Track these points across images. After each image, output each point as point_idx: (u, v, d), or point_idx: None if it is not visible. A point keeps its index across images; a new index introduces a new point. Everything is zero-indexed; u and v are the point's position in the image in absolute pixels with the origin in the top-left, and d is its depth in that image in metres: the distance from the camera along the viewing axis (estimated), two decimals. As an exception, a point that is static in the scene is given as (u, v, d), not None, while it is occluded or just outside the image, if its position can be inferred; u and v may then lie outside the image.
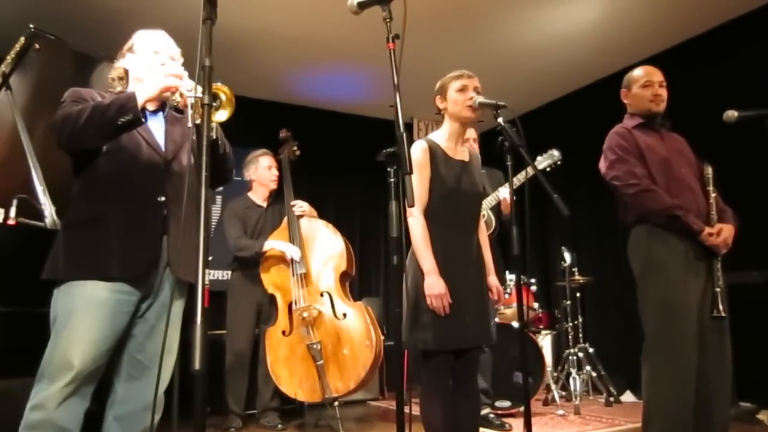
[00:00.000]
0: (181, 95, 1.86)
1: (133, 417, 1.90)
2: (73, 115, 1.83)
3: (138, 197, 1.92)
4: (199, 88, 1.82)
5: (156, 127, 2.05)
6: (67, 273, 1.84)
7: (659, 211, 2.46)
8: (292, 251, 3.70)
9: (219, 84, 1.65)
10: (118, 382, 1.94)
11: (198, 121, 1.82)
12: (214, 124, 1.89)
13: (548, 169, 3.66)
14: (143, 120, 1.86)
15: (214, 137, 1.97)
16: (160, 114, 2.09)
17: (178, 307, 2.01)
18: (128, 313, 1.89)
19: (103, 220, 1.87)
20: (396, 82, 1.73)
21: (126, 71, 2.07)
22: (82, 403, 1.81)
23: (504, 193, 3.61)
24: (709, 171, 2.57)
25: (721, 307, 2.38)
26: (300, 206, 3.88)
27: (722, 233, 2.42)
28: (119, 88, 2.06)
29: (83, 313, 1.79)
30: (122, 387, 1.93)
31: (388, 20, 1.78)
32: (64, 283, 1.84)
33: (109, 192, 1.90)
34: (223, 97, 1.66)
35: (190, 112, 1.85)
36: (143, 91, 1.84)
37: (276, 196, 4.17)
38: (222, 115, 1.71)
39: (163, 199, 1.95)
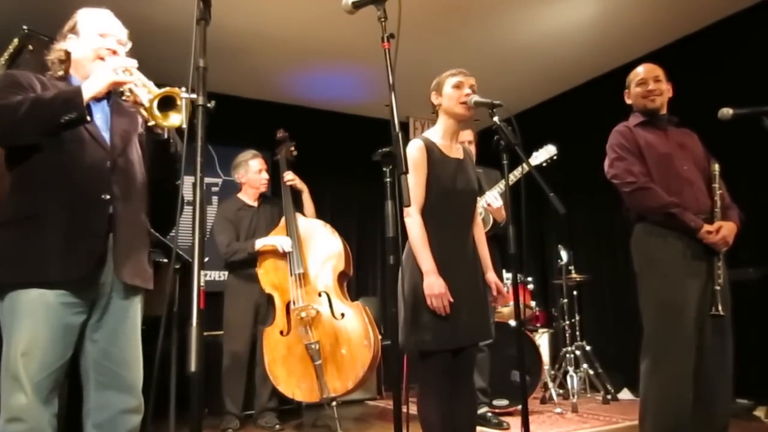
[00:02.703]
0: (131, 91, 1.78)
1: (112, 422, 1.83)
2: (11, 107, 1.69)
3: (81, 195, 1.79)
4: (151, 85, 1.79)
5: (99, 117, 1.90)
6: (2, 275, 1.73)
7: (655, 209, 2.47)
8: (282, 243, 3.70)
9: (175, 88, 1.65)
10: (88, 390, 1.86)
11: (151, 123, 1.78)
12: (166, 123, 1.82)
13: (544, 164, 3.65)
14: (88, 119, 1.75)
15: (166, 136, 1.92)
16: (104, 102, 1.93)
17: (135, 309, 1.93)
18: (79, 314, 1.79)
19: (41, 218, 1.75)
20: (391, 82, 1.73)
21: (67, 53, 1.91)
22: (51, 408, 1.74)
23: (490, 199, 3.57)
24: (715, 168, 2.56)
25: (720, 305, 2.37)
26: (290, 179, 3.93)
27: (721, 231, 2.41)
28: (60, 72, 1.91)
29: (30, 320, 1.71)
30: (94, 395, 1.85)
31: (382, 20, 1.78)
32: (8, 291, 1.73)
33: (49, 189, 1.77)
34: (178, 101, 1.66)
35: (143, 112, 1.80)
36: (89, 86, 1.73)
37: (269, 195, 4.16)
38: (175, 119, 1.70)
39: (108, 197, 1.82)
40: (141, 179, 1.95)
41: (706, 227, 2.42)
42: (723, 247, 2.44)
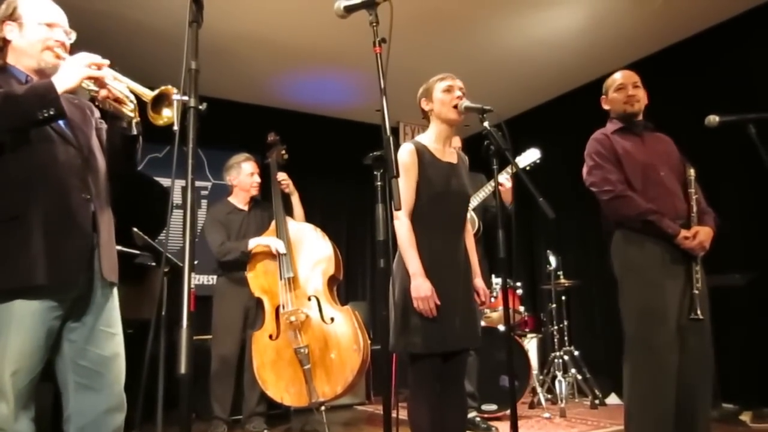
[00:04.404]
0: (104, 85, 1.76)
1: (96, 424, 1.80)
2: None
3: (62, 196, 1.76)
4: (124, 81, 1.81)
5: None
6: None
7: (633, 217, 2.49)
8: (277, 244, 3.69)
9: (169, 86, 1.67)
10: (67, 394, 1.81)
11: (135, 121, 1.84)
12: (132, 114, 1.84)
13: (528, 168, 3.68)
14: (66, 114, 1.72)
15: (135, 132, 1.91)
16: None
17: (112, 305, 1.91)
18: (59, 317, 1.76)
19: (21, 221, 1.69)
20: (382, 86, 1.73)
21: (5, 42, 1.81)
22: (29, 413, 1.73)
23: (502, 179, 3.56)
24: (691, 173, 2.58)
25: (699, 309, 2.40)
26: (284, 178, 3.94)
27: (698, 236, 2.44)
28: None
29: (15, 329, 1.67)
30: (74, 398, 1.80)
31: (374, 24, 1.79)
32: None
33: (27, 190, 1.72)
34: (167, 99, 1.69)
35: (127, 110, 1.82)
36: (62, 80, 1.68)
37: (260, 199, 4.16)
38: (168, 115, 1.71)
39: (88, 196, 1.81)
40: (104, 174, 1.95)
41: (684, 233, 2.44)
42: (700, 252, 2.46)
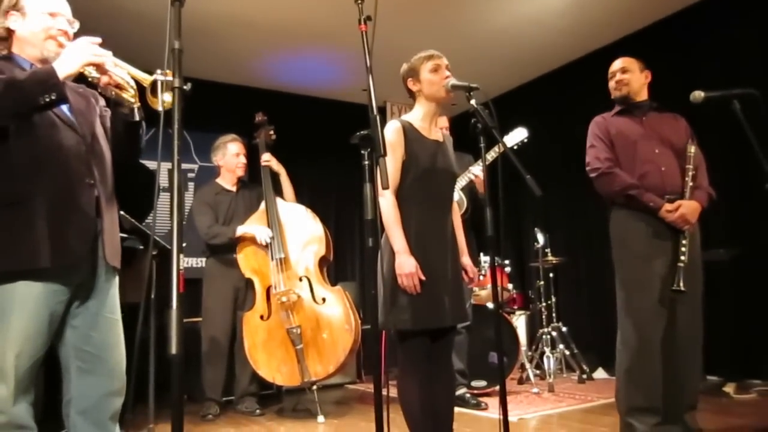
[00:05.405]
0: (105, 72, 1.76)
1: (98, 406, 1.84)
2: None
3: (66, 181, 1.78)
4: (125, 67, 1.80)
5: None
6: None
7: (617, 192, 2.60)
8: (261, 234, 3.69)
9: (167, 70, 1.64)
10: (69, 377, 1.84)
11: (136, 105, 1.85)
12: (132, 99, 1.85)
13: (515, 147, 3.70)
14: (68, 99, 1.74)
15: (137, 118, 1.92)
16: None
17: (114, 290, 1.94)
18: (63, 302, 1.79)
19: (26, 205, 1.72)
20: (369, 64, 1.72)
21: (9, 31, 1.84)
22: (28, 397, 1.75)
23: (476, 170, 3.65)
24: (691, 150, 2.66)
25: (682, 282, 2.45)
26: (266, 159, 3.93)
27: (680, 210, 2.51)
28: (3, 51, 1.86)
29: (18, 311, 1.69)
30: (76, 382, 1.84)
31: (359, 2, 1.77)
32: None
33: (31, 175, 1.74)
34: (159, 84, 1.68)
35: (128, 96, 1.83)
36: (63, 65, 1.68)
37: (247, 180, 4.14)
38: (167, 96, 1.71)
39: (92, 181, 1.84)
40: (109, 160, 1.96)
41: (666, 206, 2.52)
42: (682, 225, 2.53)
